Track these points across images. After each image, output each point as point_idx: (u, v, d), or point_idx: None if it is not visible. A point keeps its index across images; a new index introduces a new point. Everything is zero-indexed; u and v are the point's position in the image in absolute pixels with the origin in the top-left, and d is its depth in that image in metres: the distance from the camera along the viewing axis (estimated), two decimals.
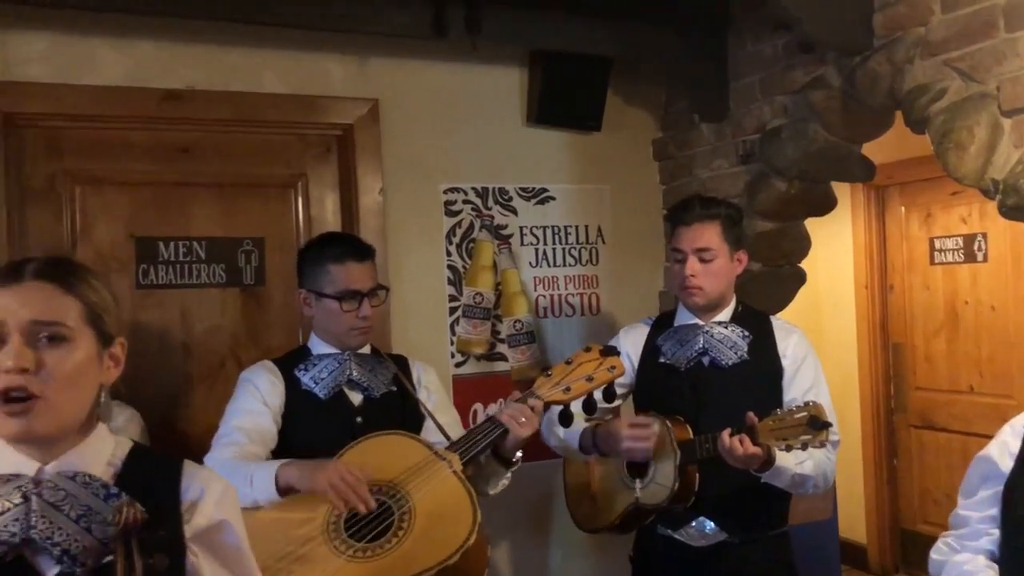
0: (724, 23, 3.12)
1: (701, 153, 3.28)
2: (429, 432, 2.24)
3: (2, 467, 1.22)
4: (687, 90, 3.25)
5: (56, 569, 1.18)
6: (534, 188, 3.30)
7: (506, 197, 3.25)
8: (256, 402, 2.18)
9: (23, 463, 1.21)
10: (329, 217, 3.10)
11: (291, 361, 2.28)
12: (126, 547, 1.10)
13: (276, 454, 2.15)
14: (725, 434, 2.16)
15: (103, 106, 2.74)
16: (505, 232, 3.24)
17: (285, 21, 2.69)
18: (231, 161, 2.96)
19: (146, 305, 2.84)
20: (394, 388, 2.28)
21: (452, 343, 3.15)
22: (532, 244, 3.29)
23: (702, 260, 2.36)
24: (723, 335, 2.41)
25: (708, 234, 2.36)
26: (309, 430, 2.18)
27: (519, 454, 2.17)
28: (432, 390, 2.35)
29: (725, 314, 2.46)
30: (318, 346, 2.30)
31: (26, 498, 1.18)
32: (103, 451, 1.27)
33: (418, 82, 3.12)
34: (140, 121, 2.80)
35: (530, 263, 3.28)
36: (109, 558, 1.16)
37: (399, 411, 2.25)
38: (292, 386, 2.22)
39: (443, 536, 1.91)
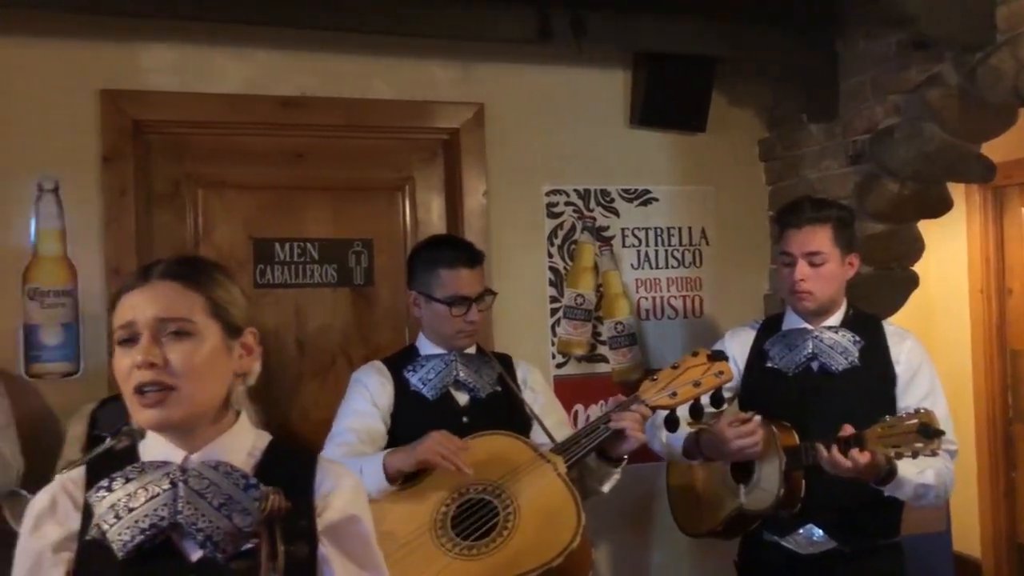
0: (834, 21, 3.06)
1: (809, 153, 3.21)
2: (536, 433, 2.27)
3: (153, 454, 1.30)
4: (795, 89, 3.19)
5: (199, 553, 1.25)
6: (637, 190, 3.29)
7: (608, 199, 3.26)
8: (366, 403, 2.25)
9: (171, 451, 1.29)
10: (435, 219, 3.17)
11: (400, 361, 2.35)
12: (270, 534, 1.15)
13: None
14: (823, 448, 2.12)
15: (224, 113, 2.87)
16: (607, 234, 3.25)
17: (395, 30, 2.76)
18: (342, 165, 3.06)
19: (263, 304, 2.96)
20: (499, 388, 2.31)
21: (553, 344, 3.17)
22: (634, 246, 3.29)
23: (812, 264, 2.32)
24: (833, 340, 2.36)
25: (819, 237, 2.32)
26: (417, 430, 2.22)
27: (625, 456, 2.18)
28: (538, 391, 2.38)
29: (835, 318, 2.41)
30: (426, 347, 2.36)
31: (173, 484, 1.26)
32: (244, 442, 1.34)
33: (522, 86, 3.16)
34: (258, 127, 2.92)
35: (632, 265, 3.28)
36: (248, 545, 1.22)
37: (504, 411, 2.29)
38: (401, 387, 2.29)
39: (548, 538, 1.93)
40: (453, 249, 2.38)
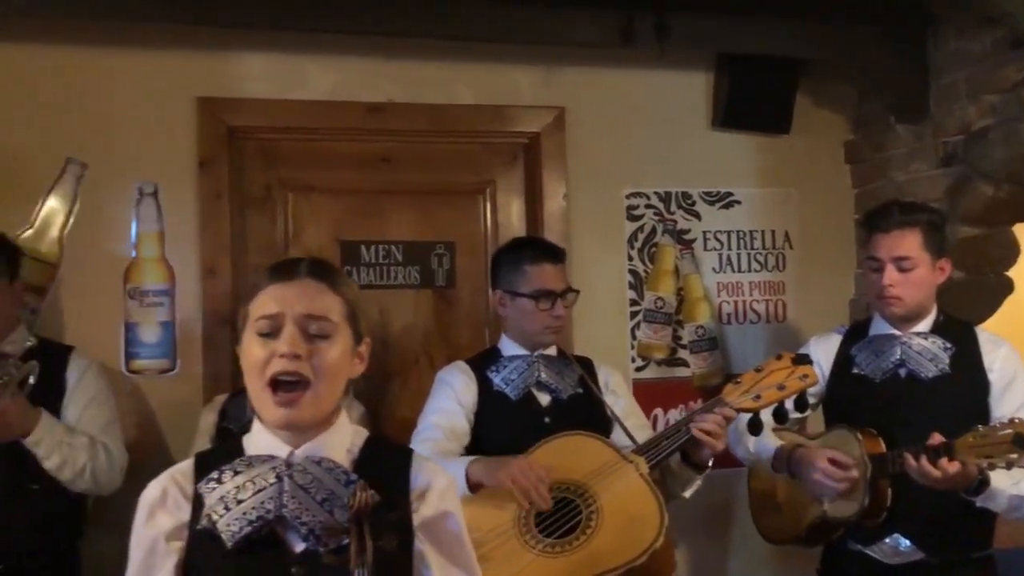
0: (925, 19, 2.98)
1: (897, 155, 3.14)
2: (617, 435, 2.28)
3: (258, 448, 1.35)
4: (883, 90, 3.12)
5: (303, 546, 1.29)
6: (718, 192, 3.27)
7: (689, 201, 3.24)
8: (451, 401, 2.29)
9: (277, 446, 1.34)
10: (515, 222, 3.20)
11: (483, 362, 2.39)
12: (359, 528, 1.19)
13: (468, 451, 2.26)
14: (910, 457, 2.08)
15: (313, 119, 2.96)
16: (688, 237, 3.23)
17: (478, 36, 2.80)
18: (426, 169, 3.12)
19: None
20: (580, 390, 2.34)
21: (632, 347, 3.17)
22: (716, 249, 3.26)
23: (901, 269, 2.28)
24: (922, 347, 2.31)
25: (908, 242, 2.27)
26: (499, 429, 2.27)
27: (711, 460, 2.18)
28: (619, 394, 2.40)
29: (925, 324, 2.35)
30: (509, 348, 2.40)
31: (279, 479, 1.30)
32: (344, 439, 1.38)
33: (603, 89, 3.17)
34: (346, 133, 3.00)
35: (713, 268, 3.26)
36: (346, 540, 1.25)
37: (586, 413, 2.31)
38: (484, 386, 2.33)
39: (631, 537, 1.94)
40: (536, 246, 2.44)
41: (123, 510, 2.63)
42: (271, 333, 1.30)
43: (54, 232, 2.73)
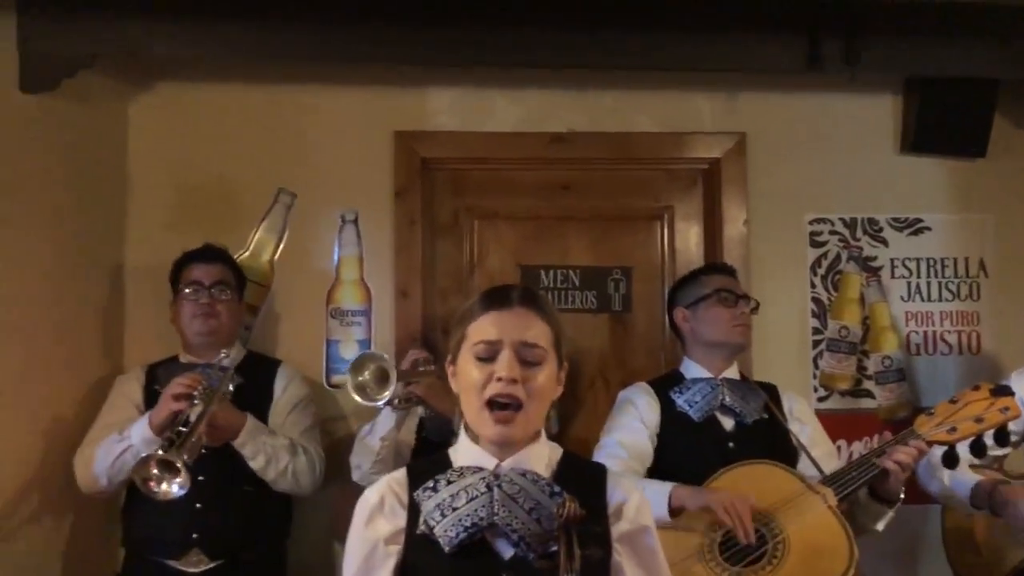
0: None
1: None
2: (803, 464, 2.25)
3: (466, 460, 1.46)
4: None
5: (511, 552, 1.39)
6: (907, 218, 3.16)
7: (876, 227, 3.15)
8: (635, 420, 2.34)
9: (484, 458, 1.44)
10: (693, 248, 3.22)
11: (666, 383, 2.42)
12: (567, 537, 1.27)
13: (649, 473, 2.29)
14: None
15: (498, 150, 3.10)
16: (874, 264, 3.14)
17: (662, 66, 2.85)
18: (604, 196, 3.20)
19: None
20: (765, 416, 2.32)
21: (815, 377, 3.10)
22: (904, 277, 3.15)
23: None
24: None
25: None
26: (682, 451, 2.29)
27: (902, 495, 2.11)
28: (805, 422, 2.37)
29: None
30: (691, 370, 2.42)
31: (489, 488, 1.40)
32: (543, 454, 1.47)
33: (785, 114, 3.14)
34: (529, 162, 3.13)
35: (901, 297, 3.14)
36: (552, 548, 1.33)
37: (769, 439, 2.29)
38: (667, 407, 2.36)
39: (819, 569, 1.92)
40: (710, 264, 2.62)
41: (323, 514, 2.87)
42: (489, 357, 1.41)
43: (266, 256, 2.99)
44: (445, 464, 1.47)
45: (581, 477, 1.47)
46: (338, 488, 2.78)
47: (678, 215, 3.22)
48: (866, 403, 3.10)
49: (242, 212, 3.00)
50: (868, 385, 3.11)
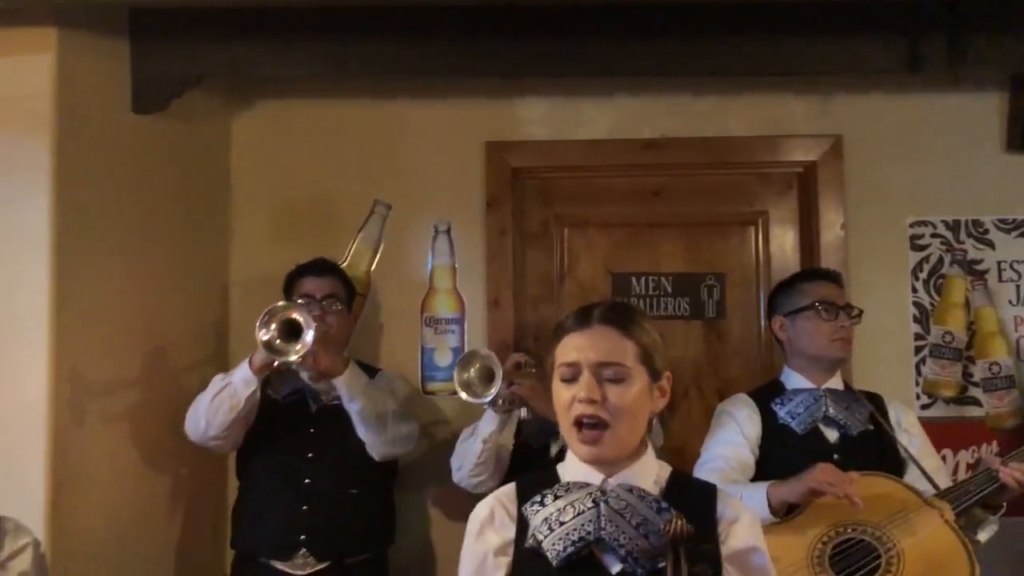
0: None
1: None
2: (910, 476, 2.19)
3: (573, 475, 1.47)
4: None
5: (618, 567, 1.39)
6: (1015, 219, 3.04)
7: (981, 230, 3.05)
8: (735, 433, 2.31)
9: (590, 474, 1.45)
10: (788, 253, 3.16)
11: (766, 395, 2.39)
12: (675, 555, 1.27)
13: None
14: None
15: (589, 157, 3.11)
16: (980, 267, 3.03)
17: (757, 71, 2.81)
18: (696, 201, 3.17)
19: None
20: (871, 427, 2.27)
21: (918, 384, 3.01)
22: (1012, 280, 3.03)
23: None
24: None
25: None
26: (784, 464, 2.24)
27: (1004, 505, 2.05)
28: (913, 433, 2.31)
29: None
30: (792, 380, 2.38)
31: (596, 504, 1.41)
32: (650, 471, 1.47)
33: (883, 115, 3.07)
34: (620, 169, 3.13)
35: (1010, 301, 3.03)
36: (660, 564, 1.34)
37: (877, 451, 2.24)
38: (768, 419, 2.33)
39: None
40: (813, 270, 2.53)
41: (423, 519, 2.93)
42: (571, 379, 1.43)
43: (363, 266, 3.07)
44: (553, 479, 1.48)
45: (690, 495, 1.46)
46: (437, 492, 2.83)
47: (773, 220, 3.18)
48: (973, 411, 3.00)
49: (340, 223, 3.08)
50: (975, 392, 3.00)
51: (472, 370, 2.33)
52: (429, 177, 3.09)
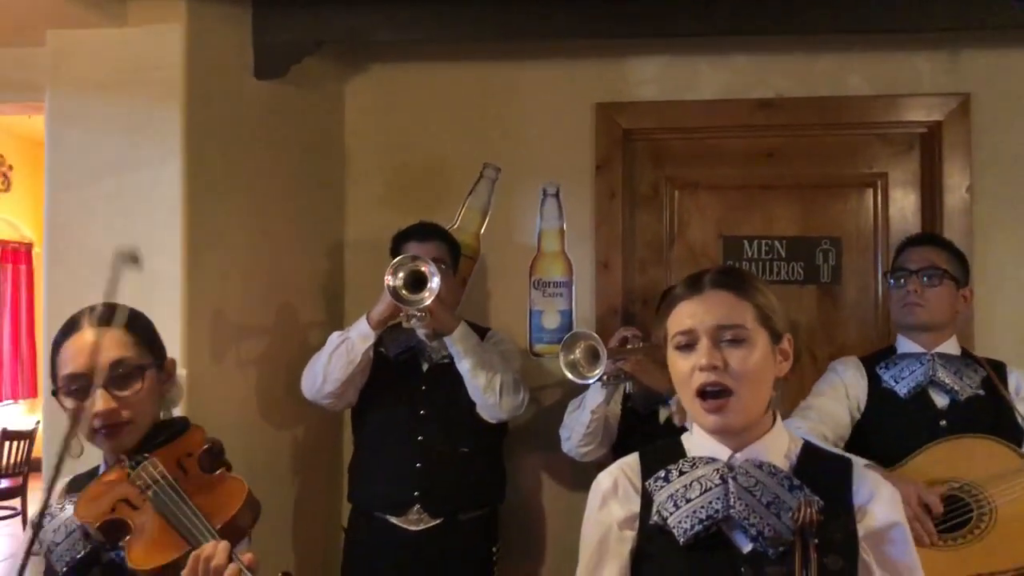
0: None
1: None
2: None
3: (699, 450, 1.42)
4: None
5: (750, 546, 1.33)
6: None
7: None
8: (835, 389, 2.30)
9: (718, 449, 1.39)
10: (908, 217, 3.06)
11: (876, 359, 2.35)
12: (803, 543, 1.22)
13: (850, 447, 2.20)
14: None
15: (702, 118, 3.05)
16: None
17: (879, 27, 2.71)
18: (812, 163, 3.09)
19: None
20: (982, 392, 2.20)
21: None
22: None
23: None
24: None
25: None
26: (889, 429, 2.21)
27: None
28: None
29: None
30: (904, 345, 2.34)
31: (723, 480, 1.35)
32: (781, 445, 1.40)
33: (1017, 73, 2.91)
34: (733, 130, 3.06)
35: None
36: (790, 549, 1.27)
37: (990, 417, 2.17)
38: (874, 383, 2.29)
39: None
40: (909, 237, 2.50)
41: (532, 481, 2.98)
42: (688, 347, 1.38)
43: (473, 229, 3.10)
44: (678, 453, 1.43)
45: (824, 470, 1.39)
46: (545, 457, 2.87)
47: (892, 182, 3.07)
48: None
49: (451, 187, 3.11)
50: None
51: (577, 351, 2.33)
52: (539, 140, 3.09)
